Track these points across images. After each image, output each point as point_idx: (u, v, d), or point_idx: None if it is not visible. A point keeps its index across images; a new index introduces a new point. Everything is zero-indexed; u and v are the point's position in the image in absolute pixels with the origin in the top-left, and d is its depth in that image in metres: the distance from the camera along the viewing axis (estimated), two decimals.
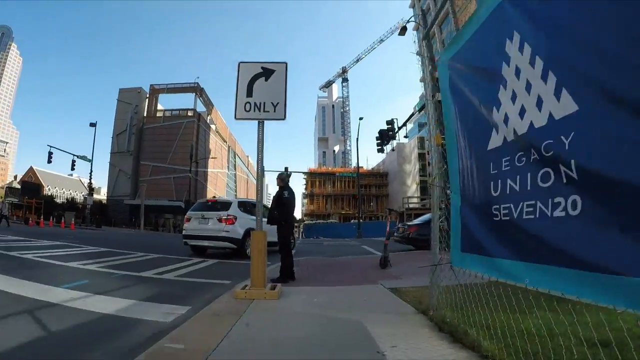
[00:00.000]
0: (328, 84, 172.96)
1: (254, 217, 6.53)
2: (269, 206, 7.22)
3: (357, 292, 5.15)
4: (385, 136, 25.12)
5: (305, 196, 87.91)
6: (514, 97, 2.21)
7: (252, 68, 5.24)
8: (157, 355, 2.63)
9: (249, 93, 5.11)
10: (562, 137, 1.81)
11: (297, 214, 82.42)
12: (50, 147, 36.90)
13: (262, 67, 5.22)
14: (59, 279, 5.89)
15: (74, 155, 40.13)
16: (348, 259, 11.14)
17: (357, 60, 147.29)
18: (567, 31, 1.80)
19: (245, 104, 5.10)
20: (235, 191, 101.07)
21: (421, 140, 70.85)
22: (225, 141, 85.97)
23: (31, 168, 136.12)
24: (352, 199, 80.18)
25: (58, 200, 63.04)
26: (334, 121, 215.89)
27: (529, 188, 2.06)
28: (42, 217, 37.03)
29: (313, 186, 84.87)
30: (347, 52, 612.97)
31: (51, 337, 3.23)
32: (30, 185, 47.74)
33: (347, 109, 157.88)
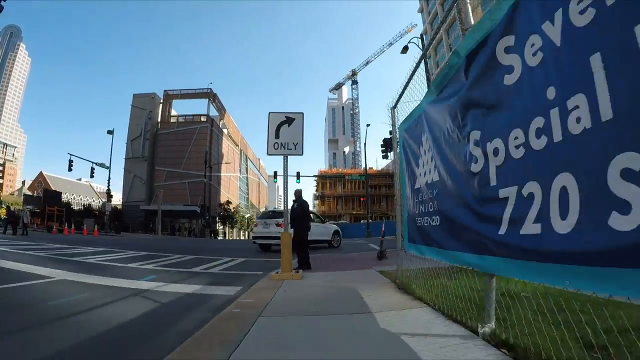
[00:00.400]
0: (338, 86, 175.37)
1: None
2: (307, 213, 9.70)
3: (355, 274, 7.31)
4: (389, 144, 27.20)
5: (316, 197, 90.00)
6: (424, 165, 4.36)
7: (278, 117, 7.45)
8: (240, 305, 4.77)
9: (277, 136, 7.32)
10: (434, 189, 3.96)
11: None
12: (71, 155, 39.31)
13: (286, 116, 7.43)
14: (134, 275, 7.92)
15: (92, 162, 42.25)
16: (354, 255, 13.25)
17: (367, 63, 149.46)
18: (434, 142, 3.95)
19: (274, 143, 7.32)
20: (247, 194, 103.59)
21: None
22: (237, 145, 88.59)
23: (41, 173, 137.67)
24: (362, 200, 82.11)
25: (74, 207, 64.44)
26: (343, 122, 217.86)
27: (426, 210, 4.21)
28: (65, 224, 38.76)
29: (324, 188, 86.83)
30: (357, 55, 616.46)
31: (164, 306, 5.22)
32: (51, 193, 50.08)
33: (357, 110, 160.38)
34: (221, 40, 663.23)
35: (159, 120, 67.65)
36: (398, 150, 5.64)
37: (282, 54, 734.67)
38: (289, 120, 7.37)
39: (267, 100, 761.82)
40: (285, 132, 7.29)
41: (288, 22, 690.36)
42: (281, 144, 7.28)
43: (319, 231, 16.14)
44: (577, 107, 1.87)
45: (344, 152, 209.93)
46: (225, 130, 77.63)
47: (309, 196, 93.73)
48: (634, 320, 2.33)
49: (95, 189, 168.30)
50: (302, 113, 7.44)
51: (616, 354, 2.11)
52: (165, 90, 67.81)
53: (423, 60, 4.80)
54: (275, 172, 37.58)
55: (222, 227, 69.98)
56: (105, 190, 49.07)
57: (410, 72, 4.74)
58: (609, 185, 1.67)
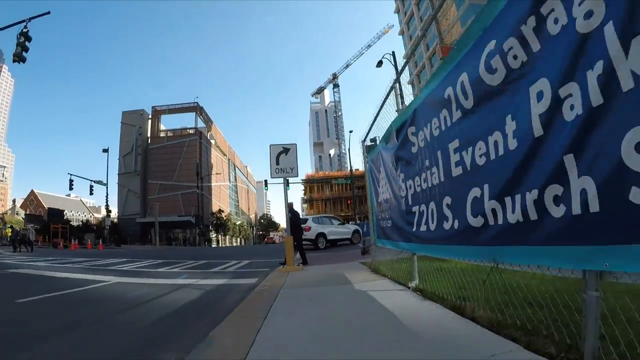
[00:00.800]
0: (320, 90, 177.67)
1: (323, 225, 17.73)
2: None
3: (343, 265, 9.50)
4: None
5: (304, 201, 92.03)
6: (382, 186, 6.59)
7: (277, 148, 9.65)
8: (263, 286, 6.92)
9: (277, 162, 9.51)
10: (387, 204, 6.20)
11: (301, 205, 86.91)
12: (71, 175, 41.12)
13: (283, 147, 9.62)
14: (170, 276, 10.07)
15: (91, 180, 44.16)
16: (343, 253, 15.46)
17: (347, 66, 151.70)
18: (386, 173, 6.18)
19: (276, 169, 9.50)
20: (237, 202, 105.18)
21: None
22: (225, 154, 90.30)
23: (32, 191, 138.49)
24: (349, 202, 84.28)
25: (72, 223, 66.05)
26: (327, 125, 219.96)
27: (384, 217, 6.44)
28: (70, 240, 40.41)
29: (312, 191, 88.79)
30: (337, 58, 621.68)
31: (209, 292, 7.38)
32: (55, 211, 51.52)
33: (340, 113, 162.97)
34: (199, 48, 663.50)
35: (148, 135, 69.22)
36: (366, 175, 7.90)
37: (262, 60, 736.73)
38: (285, 150, 9.57)
39: (251, 107, 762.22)
40: (283, 159, 9.49)
41: (264, 28, 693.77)
42: (281, 169, 9.48)
43: (341, 231, 20.29)
44: (433, 172, 4.10)
45: (330, 154, 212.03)
46: (212, 141, 79.37)
47: (297, 199, 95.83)
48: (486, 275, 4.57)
49: (85, 204, 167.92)
50: (295, 144, 9.66)
51: (473, 293, 4.34)
52: (153, 107, 69.59)
53: (396, 87, 6.98)
54: (266, 181, 39.62)
55: (215, 234, 71.70)
56: (95, 205, 50.69)
57: (378, 108, 6.76)
58: (443, 210, 3.89)
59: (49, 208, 55.01)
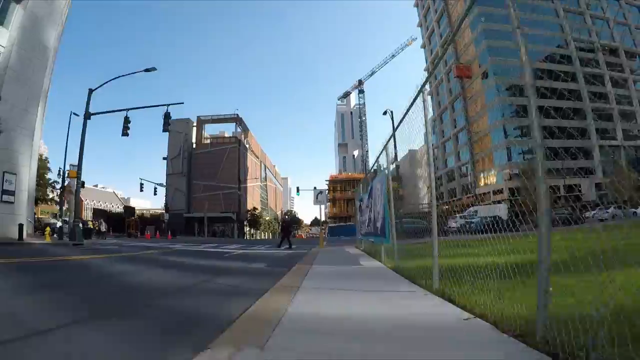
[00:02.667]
0: (346, 95, 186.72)
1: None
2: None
3: (345, 246, 18.55)
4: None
5: (329, 200, 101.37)
6: (362, 213, 15.64)
7: (318, 191, 18.84)
8: (310, 252, 16.00)
9: (317, 198, 18.72)
10: (366, 219, 15.27)
11: (323, 217, 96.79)
12: (141, 179, 51.44)
13: (321, 190, 18.81)
14: (265, 249, 19.43)
15: (155, 184, 54.60)
16: (346, 241, 24.50)
17: (372, 74, 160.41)
18: (364, 206, 15.25)
19: (316, 201, 18.71)
20: (266, 199, 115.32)
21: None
22: (257, 157, 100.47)
23: (68, 184, 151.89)
24: None
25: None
26: (352, 127, 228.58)
27: (365, 225, 15.52)
28: (139, 231, 50.74)
29: (335, 191, 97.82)
30: (363, 63, 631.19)
31: (289, 254, 16.54)
32: (129, 208, 62.35)
33: (364, 118, 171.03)
34: (244, 60, 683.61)
35: (193, 141, 79.68)
36: (356, 203, 16.99)
37: (290, 58, 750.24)
38: (321, 191, 18.73)
39: (278, 104, 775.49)
40: (320, 196, 18.64)
41: (294, 29, 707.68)
42: (318, 200, 18.65)
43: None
44: (365, 214, 13.18)
45: (354, 155, 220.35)
46: (247, 145, 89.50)
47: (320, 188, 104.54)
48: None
49: (117, 196, 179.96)
50: (326, 190, 18.79)
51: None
52: (198, 116, 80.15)
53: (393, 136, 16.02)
54: (298, 187, 48.95)
55: (248, 229, 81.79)
56: (125, 197, 60.99)
57: (376, 157, 15.78)
58: (368, 225, 12.95)
59: (124, 206, 65.91)
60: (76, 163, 24.38)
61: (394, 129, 8.20)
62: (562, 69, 59.92)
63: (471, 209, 29.40)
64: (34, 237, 24.92)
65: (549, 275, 2.58)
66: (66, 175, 30.42)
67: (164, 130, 24.43)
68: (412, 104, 5.99)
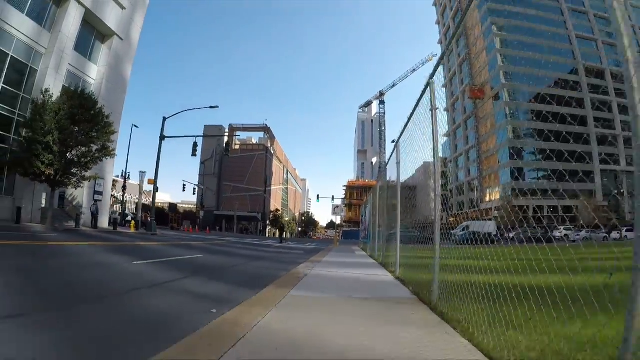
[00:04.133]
0: (367, 104, 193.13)
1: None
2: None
3: (350, 246, 25.78)
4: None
5: (345, 205, 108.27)
6: (364, 221, 22.87)
7: (335, 205, 26.10)
8: (328, 248, 23.29)
9: (333, 211, 25.97)
10: (364, 226, 22.50)
11: (338, 221, 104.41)
12: (184, 181, 59.60)
13: (337, 205, 26.04)
14: (298, 245, 26.89)
15: (194, 184, 62.74)
16: (354, 241, 31.65)
17: (393, 86, 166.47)
18: (366, 217, 22.48)
19: (333, 212, 25.98)
20: (287, 201, 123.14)
21: (443, 161, 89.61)
22: (281, 162, 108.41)
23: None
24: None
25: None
26: (372, 135, 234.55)
27: (364, 231, 22.77)
28: (183, 225, 59.14)
29: (352, 197, 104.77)
30: (387, 74, 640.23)
31: (312, 248, 23.95)
32: (173, 206, 70.77)
33: (383, 128, 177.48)
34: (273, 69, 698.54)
35: (225, 146, 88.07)
36: (362, 215, 24.14)
37: (314, 64, 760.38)
38: (338, 205, 25.96)
39: (303, 109, 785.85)
40: (337, 209, 25.84)
41: (316, 39, 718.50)
42: (335, 212, 25.86)
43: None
44: (364, 224, 20.46)
45: (372, 162, 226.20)
46: (272, 151, 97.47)
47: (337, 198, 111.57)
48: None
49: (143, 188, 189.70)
50: (342, 203, 26.03)
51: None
52: (230, 124, 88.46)
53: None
54: (318, 195, 56.25)
55: (270, 228, 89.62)
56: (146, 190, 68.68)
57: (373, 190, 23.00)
58: (366, 233, 20.22)
59: (169, 203, 74.42)
60: (142, 169, 32.32)
61: (392, 152, 10.14)
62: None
63: (464, 223, 36.32)
64: (121, 228, 32.78)
65: None
66: (144, 181, 38.38)
67: (192, 155, 32.30)
68: (410, 118, 6.57)
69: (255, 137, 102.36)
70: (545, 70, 73.58)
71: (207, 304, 4.30)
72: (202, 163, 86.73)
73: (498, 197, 76.32)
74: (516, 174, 74.08)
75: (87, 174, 23.87)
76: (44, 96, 21.90)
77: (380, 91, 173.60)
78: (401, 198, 8.27)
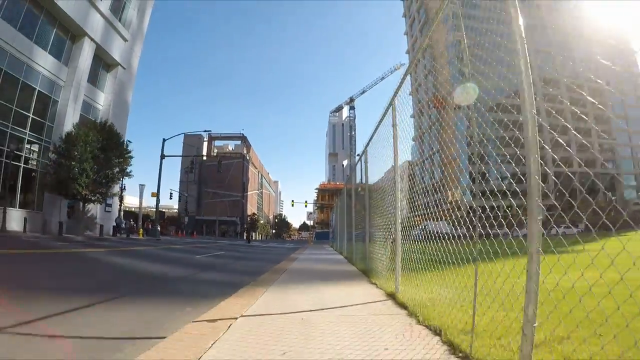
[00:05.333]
0: (338, 109, 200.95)
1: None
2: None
3: (325, 246, 32.11)
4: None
5: (316, 207, 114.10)
6: (332, 225, 29.23)
7: (307, 214, 32.30)
8: (303, 249, 29.47)
9: (307, 217, 32.20)
10: (332, 230, 28.92)
11: (311, 222, 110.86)
12: (171, 190, 64.61)
13: (310, 212, 32.26)
14: (280, 245, 32.97)
15: (180, 192, 67.78)
16: (325, 243, 37.95)
17: (363, 92, 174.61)
18: (333, 222, 28.88)
19: (307, 217, 32.19)
20: (262, 205, 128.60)
21: (411, 165, 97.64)
22: (256, 168, 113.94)
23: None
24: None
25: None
26: (343, 138, 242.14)
27: (332, 233, 29.17)
28: (171, 230, 64.18)
29: (323, 199, 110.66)
30: (357, 80, 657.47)
31: (290, 247, 30.09)
32: (161, 213, 75.05)
33: (353, 133, 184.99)
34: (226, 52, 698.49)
35: (204, 153, 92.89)
36: (331, 219, 30.50)
37: (286, 66, 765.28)
38: (312, 212, 32.16)
39: (273, 109, 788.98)
40: (311, 215, 32.05)
41: (293, 40, 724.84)
42: (309, 218, 32.08)
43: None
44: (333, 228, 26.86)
45: (343, 165, 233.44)
46: (249, 159, 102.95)
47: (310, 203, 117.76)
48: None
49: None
50: (313, 210, 32.27)
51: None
52: (209, 134, 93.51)
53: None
54: (293, 201, 62.50)
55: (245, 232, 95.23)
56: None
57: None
58: (332, 235, 26.61)
59: (160, 211, 78.64)
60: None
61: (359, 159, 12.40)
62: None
63: (424, 224, 43.67)
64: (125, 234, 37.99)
65: None
66: (143, 193, 43.50)
67: (190, 172, 37.94)
68: (375, 131, 7.75)
69: (231, 144, 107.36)
70: (502, 82, 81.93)
71: (264, 264, 10.49)
72: (182, 169, 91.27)
73: (458, 198, 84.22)
74: (474, 178, 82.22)
75: (110, 191, 29.35)
76: (75, 129, 27.27)
77: (350, 97, 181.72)
78: (368, 201, 9.42)
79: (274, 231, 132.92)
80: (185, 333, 3.07)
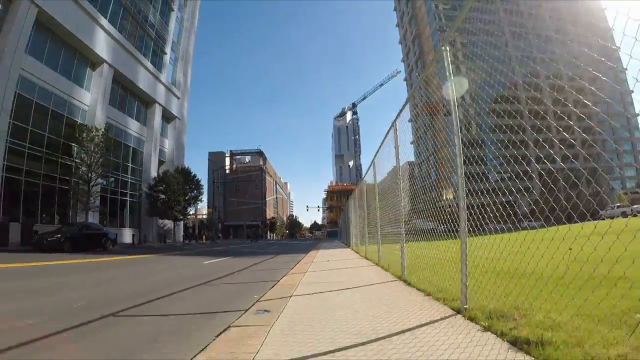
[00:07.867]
0: (342, 114, 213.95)
1: None
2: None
3: (336, 243, 45.58)
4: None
5: (326, 207, 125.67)
6: (345, 221, 42.77)
7: (321, 216, 45.78)
8: (320, 244, 42.97)
9: (322, 218, 45.67)
10: (343, 227, 42.46)
11: (321, 222, 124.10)
12: (210, 203, 78.49)
13: (324, 216, 45.72)
14: (303, 242, 46.62)
15: (213, 204, 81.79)
16: (336, 242, 51.35)
17: (364, 98, 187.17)
18: (342, 220, 42.40)
19: (322, 218, 45.68)
20: (277, 209, 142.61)
21: (411, 164, 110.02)
22: (272, 177, 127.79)
23: None
24: None
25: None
26: (348, 140, 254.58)
27: (339, 231, 42.72)
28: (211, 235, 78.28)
29: (331, 200, 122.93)
30: (360, 85, 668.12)
31: (311, 243, 43.58)
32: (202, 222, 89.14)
33: (357, 136, 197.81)
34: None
35: (226, 168, 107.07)
36: (340, 220, 43.96)
37: (293, 71, 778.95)
38: (324, 216, 45.59)
39: (282, 116, 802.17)
40: (324, 219, 45.44)
41: (302, 46, 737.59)
42: (322, 218, 45.50)
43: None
44: (340, 226, 40.36)
45: (349, 165, 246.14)
46: (265, 170, 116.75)
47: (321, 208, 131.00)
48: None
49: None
50: (324, 207, 45.74)
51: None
52: (230, 151, 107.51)
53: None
54: (307, 206, 76.25)
55: (267, 233, 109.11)
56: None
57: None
58: (344, 232, 40.11)
59: (200, 220, 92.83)
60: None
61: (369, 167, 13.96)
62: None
63: (414, 221, 57.09)
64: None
65: None
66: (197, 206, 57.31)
67: (233, 193, 51.65)
68: (383, 141, 10.36)
69: (248, 156, 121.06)
70: (490, 88, 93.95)
71: (309, 246, 24.09)
72: (210, 182, 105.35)
73: (451, 197, 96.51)
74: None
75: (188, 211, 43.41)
76: (165, 174, 41.36)
77: (352, 103, 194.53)
78: (378, 202, 10.59)
79: (287, 231, 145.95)
80: (300, 263, 16.66)
